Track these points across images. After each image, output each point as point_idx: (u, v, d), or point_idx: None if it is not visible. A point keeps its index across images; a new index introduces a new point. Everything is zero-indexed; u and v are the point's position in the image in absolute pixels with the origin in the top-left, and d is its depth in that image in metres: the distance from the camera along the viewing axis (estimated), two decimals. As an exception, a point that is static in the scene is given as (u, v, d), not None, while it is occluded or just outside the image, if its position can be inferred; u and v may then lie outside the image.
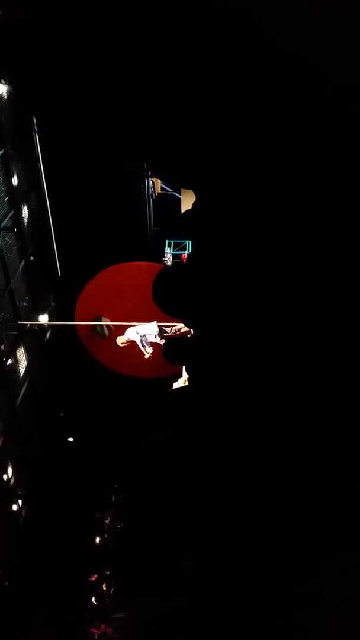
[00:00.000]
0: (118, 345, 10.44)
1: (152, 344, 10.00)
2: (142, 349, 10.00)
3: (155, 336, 9.96)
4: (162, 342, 9.68)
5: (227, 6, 2.12)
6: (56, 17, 2.28)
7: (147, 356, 10.01)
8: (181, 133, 2.52)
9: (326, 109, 2.17)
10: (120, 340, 10.20)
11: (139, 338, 9.99)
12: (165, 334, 9.88)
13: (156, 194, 14.41)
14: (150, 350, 9.97)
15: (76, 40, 2.31)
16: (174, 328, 9.87)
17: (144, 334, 10.00)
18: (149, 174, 13.23)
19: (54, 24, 2.30)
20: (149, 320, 9.91)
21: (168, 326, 9.96)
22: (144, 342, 9.99)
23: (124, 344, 10.17)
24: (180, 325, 9.61)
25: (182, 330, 9.70)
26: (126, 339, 10.12)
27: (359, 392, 2.47)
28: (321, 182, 2.30)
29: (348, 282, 2.41)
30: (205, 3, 2.13)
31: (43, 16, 2.31)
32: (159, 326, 9.95)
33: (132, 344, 10.14)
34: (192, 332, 8.95)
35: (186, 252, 13.44)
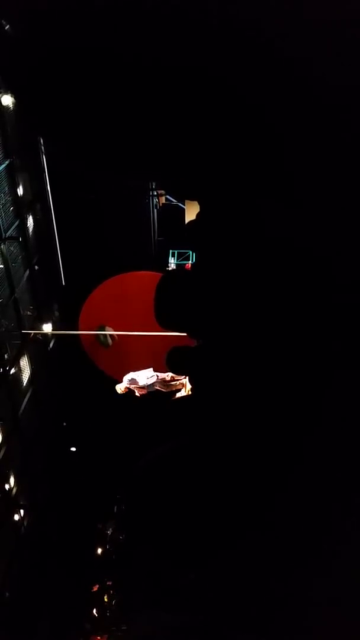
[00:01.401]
0: (121, 355, 10.46)
1: (142, 388, 10.22)
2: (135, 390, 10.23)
3: (149, 384, 10.13)
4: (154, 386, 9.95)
5: (232, 19, 2.14)
6: (59, 36, 2.31)
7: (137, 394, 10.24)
8: (186, 147, 2.54)
9: (327, 122, 2.19)
10: (120, 388, 10.39)
11: (132, 384, 10.20)
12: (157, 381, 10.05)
13: (160, 205, 14.48)
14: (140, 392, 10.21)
15: (80, 61, 2.33)
16: (167, 376, 9.98)
17: (134, 380, 10.17)
18: (155, 192, 13.34)
19: (56, 43, 2.32)
20: (152, 330, 9.91)
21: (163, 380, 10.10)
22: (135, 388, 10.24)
23: (124, 391, 10.38)
24: (170, 374, 9.75)
25: (174, 382, 9.86)
26: (124, 387, 10.31)
27: (357, 397, 2.47)
28: (323, 197, 2.31)
29: (348, 294, 2.42)
30: (207, 18, 2.15)
31: (46, 35, 2.33)
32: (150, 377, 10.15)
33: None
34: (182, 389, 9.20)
35: (190, 262, 13.48)
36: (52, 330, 12.87)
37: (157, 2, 2.17)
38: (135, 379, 10.19)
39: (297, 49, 2.08)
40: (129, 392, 10.33)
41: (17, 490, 11.62)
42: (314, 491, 2.66)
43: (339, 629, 2.57)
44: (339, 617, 2.59)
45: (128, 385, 10.26)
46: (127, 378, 10.29)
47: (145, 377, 10.07)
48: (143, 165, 2.94)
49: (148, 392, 10.12)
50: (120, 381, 11.32)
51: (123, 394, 10.41)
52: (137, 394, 10.22)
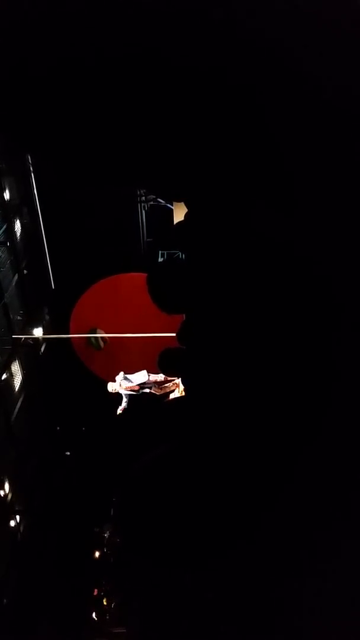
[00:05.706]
0: (113, 357, 10.47)
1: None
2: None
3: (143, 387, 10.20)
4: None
5: (228, 21, 2.09)
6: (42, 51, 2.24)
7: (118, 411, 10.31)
8: (174, 147, 2.50)
9: (326, 127, 2.16)
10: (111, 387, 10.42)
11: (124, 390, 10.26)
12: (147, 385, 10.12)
13: (148, 205, 14.45)
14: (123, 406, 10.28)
15: (54, 75, 2.27)
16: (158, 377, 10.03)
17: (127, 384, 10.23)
18: (144, 198, 13.33)
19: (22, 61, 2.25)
20: (144, 331, 9.90)
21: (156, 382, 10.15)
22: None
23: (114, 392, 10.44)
24: (161, 376, 9.82)
25: (167, 384, 9.92)
26: (114, 388, 10.35)
27: (355, 401, 2.47)
28: (318, 201, 2.29)
29: (344, 299, 2.40)
30: (203, 18, 2.10)
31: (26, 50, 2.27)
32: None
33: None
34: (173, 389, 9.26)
35: (179, 262, 13.43)
36: (43, 334, 12.81)
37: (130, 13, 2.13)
38: (129, 380, 10.20)
39: (295, 45, 2.04)
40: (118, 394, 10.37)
41: (12, 496, 11.56)
42: (312, 493, 2.65)
43: (339, 631, 2.57)
44: (339, 618, 2.58)
45: (119, 389, 10.27)
46: (120, 379, 10.28)
47: (138, 379, 10.10)
48: (131, 176, 2.90)
49: (140, 391, 10.15)
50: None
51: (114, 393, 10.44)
52: (121, 407, 10.28)
